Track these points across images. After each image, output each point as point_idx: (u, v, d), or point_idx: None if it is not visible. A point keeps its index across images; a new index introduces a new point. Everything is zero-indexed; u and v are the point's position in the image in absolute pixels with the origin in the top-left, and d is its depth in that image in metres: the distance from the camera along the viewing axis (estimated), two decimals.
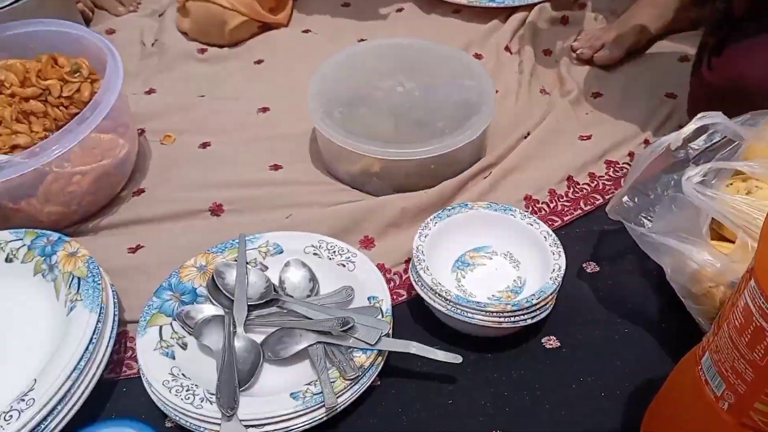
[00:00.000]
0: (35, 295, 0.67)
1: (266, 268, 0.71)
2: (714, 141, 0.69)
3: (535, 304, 0.63)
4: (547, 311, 0.65)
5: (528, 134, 0.90)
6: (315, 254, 0.71)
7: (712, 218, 0.62)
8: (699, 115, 0.64)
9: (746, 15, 0.84)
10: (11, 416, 0.55)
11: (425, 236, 0.69)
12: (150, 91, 1.03)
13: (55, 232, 0.70)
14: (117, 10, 1.22)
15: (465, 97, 0.86)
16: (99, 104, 0.74)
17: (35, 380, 0.57)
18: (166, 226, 0.80)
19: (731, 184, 0.64)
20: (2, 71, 0.81)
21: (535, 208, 0.81)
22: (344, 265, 0.70)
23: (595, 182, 0.84)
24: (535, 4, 1.13)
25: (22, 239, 0.70)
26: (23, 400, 0.55)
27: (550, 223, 0.79)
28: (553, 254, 0.67)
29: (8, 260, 0.69)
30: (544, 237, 0.69)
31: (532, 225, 0.70)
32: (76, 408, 0.58)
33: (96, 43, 0.84)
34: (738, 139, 0.67)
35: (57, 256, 0.67)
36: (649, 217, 0.69)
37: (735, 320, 0.42)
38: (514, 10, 1.13)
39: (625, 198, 0.69)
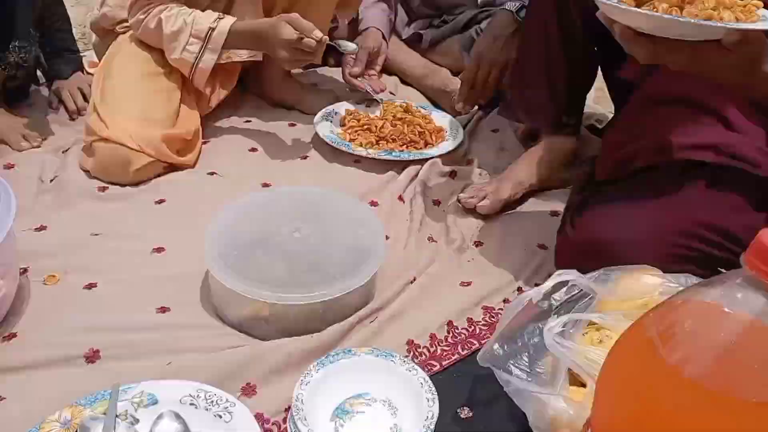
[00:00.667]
0: None
1: (137, 421, 0.68)
2: (573, 293, 0.76)
3: None
4: None
5: (414, 279, 0.95)
6: (192, 404, 0.70)
7: None
8: (556, 273, 0.71)
9: (607, 179, 0.96)
10: None
11: (306, 383, 0.70)
12: (40, 228, 1.01)
13: None
14: (19, 145, 1.22)
15: (356, 243, 0.90)
16: None
17: None
18: (34, 376, 0.76)
19: (586, 333, 0.70)
20: None
21: (417, 353, 0.84)
22: (221, 416, 0.69)
23: (473, 327, 0.88)
24: (427, 159, 1.24)
25: None
26: None
27: (429, 367, 0.81)
28: (428, 401, 0.69)
29: None
30: (421, 384, 0.71)
31: (410, 371, 0.73)
32: None
33: None
34: (592, 293, 0.74)
35: None
36: (516, 364, 0.73)
37: None
38: (408, 162, 1.24)
39: (496, 346, 0.74)
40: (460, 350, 0.85)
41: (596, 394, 0.47)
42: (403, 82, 1.61)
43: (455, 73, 1.55)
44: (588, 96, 1.22)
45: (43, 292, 0.89)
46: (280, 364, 0.79)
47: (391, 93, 1.55)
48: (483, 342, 0.85)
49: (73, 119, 1.34)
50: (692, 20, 0.64)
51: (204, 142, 1.28)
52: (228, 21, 1.18)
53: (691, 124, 0.87)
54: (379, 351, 0.75)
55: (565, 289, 0.76)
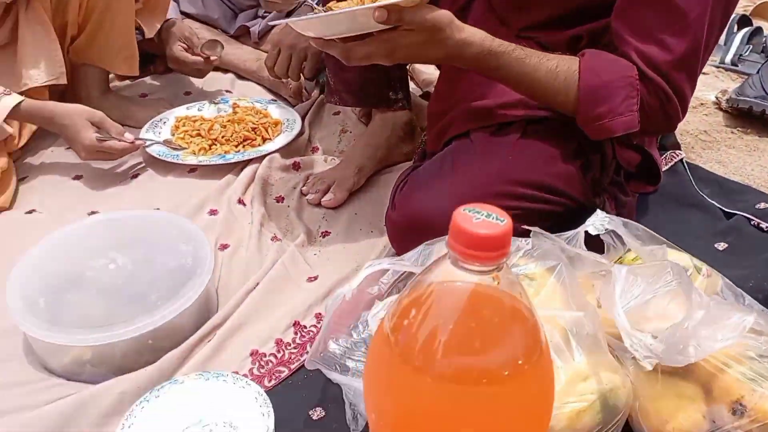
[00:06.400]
0: None
1: None
2: (400, 275, 0.76)
3: None
4: None
5: (257, 284, 0.92)
6: None
7: None
8: (367, 264, 0.70)
9: (435, 151, 0.96)
10: None
11: (129, 426, 0.65)
12: None
13: None
14: None
15: (181, 262, 0.86)
16: None
17: None
18: None
19: None
20: None
21: (262, 362, 0.81)
22: None
23: (321, 322, 0.86)
24: (266, 155, 1.20)
25: None
26: None
27: (277, 375, 0.79)
28: (263, 415, 0.67)
29: None
30: (255, 398, 0.69)
31: (243, 388, 0.70)
32: None
33: None
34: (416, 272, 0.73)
35: None
36: (354, 357, 0.72)
37: None
38: (246, 163, 1.19)
39: (332, 344, 0.72)
40: (309, 349, 0.82)
41: (365, 398, 0.46)
42: (240, 77, 1.56)
43: None
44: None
45: None
46: (115, 405, 0.74)
47: (227, 91, 1.49)
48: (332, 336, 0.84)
49: None
50: (340, 11, 0.68)
51: (21, 179, 1.18)
52: (13, 99, 1.08)
53: (499, 85, 0.88)
54: (208, 374, 0.72)
55: (390, 272, 0.76)
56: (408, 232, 0.82)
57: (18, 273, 0.82)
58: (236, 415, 0.69)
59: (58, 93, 1.27)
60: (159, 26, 1.37)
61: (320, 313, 0.88)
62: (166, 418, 0.68)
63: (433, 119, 1.00)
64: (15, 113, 1.09)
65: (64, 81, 1.22)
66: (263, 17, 1.55)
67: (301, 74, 1.31)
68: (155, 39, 1.41)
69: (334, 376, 0.66)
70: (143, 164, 1.22)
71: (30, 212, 1.10)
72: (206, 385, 0.70)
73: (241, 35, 1.57)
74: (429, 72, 1.47)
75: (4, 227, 1.06)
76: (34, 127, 1.24)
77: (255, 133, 1.25)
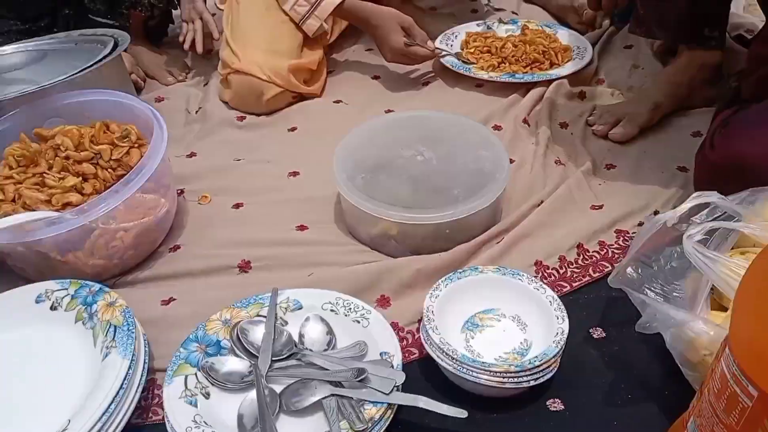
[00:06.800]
0: (76, 342, 0.72)
1: (286, 323, 0.76)
2: (716, 215, 0.72)
3: (538, 366, 0.66)
4: (551, 374, 0.68)
5: (541, 202, 0.94)
6: (332, 311, 0.76)
7: (713, 288, 0.64)
8: (694, 195, 0.68)
9: (753, 97, 0.88)
10: None
11: (436, 297, 0.73)
12: (191, 155, 1.11)
13: (96, 283, 0.77)
14: (166, 80, 1.33)
15: (480, 166, 0.91)
16: (143, 167, 0.82)
17: (69, 420, 0.62)
18: (197, 281, 0.86)
19: (730, 257, 0.67)
20: (60, 136, 0.90)
21: (545, 274, 0.84)
22: (359, 322, 0.74)
23: (605, 250, 0.87)
24: (553, 80, 1.19)
25: (66, 289, 0.76)
26: None
27: (558, 288, 0.82)
28: (557, 318, 0.70)
29: (53, 308, 0.76)
30: (549, 302, 0.72)
31: (538, 290, 0.74)
32: None
33: (144, 111, 0.92)
34: (736, 215, 0.70)
35: (97, 305, 0.74)
36: (651, 288, 0.72)
37: (713, 386, 0.45)
38: (533, 84, 1.20)
39: (629, 269, 0.73)
40: (591, 273, 0.84)
41: (734, 309, 0.46)
42: (526, 0, 1.55)
43: None
44: (737, 3, 1.11)
45: (198, 210, 0.98)
46: (410, 279, 0.83)
47: (513, 12, 1.50)
48: (615, 265, 0.84)
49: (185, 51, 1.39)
50: None
51: (329, 72, 1.32)
52: None
53: None
54: (506, 269, 0.77)
55: (706, 212, 0.73)
56: (727, 173, 0.78)
57: (340, 152, 0.93)
58: (528, 313, 0.74)
59: None
60: None
61: (603, 241, 0.88)
62: (464, 298, 0.75)
63: (757, 62, 0.91)
64: (338, 11, 1.22)
65: None
66: None
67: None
68: None
69: (641, 297, 0.67)
70: (433, 73, 1.30)
71: (337, 102, 1.24)
72: (503, 279, 0.76)
73: None
74: (741, 15, 1.33)
75: (318, 112, 1.21)
76: (343, 27, 1.37)
77: (544, 56, 1.25)
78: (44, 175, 0.87)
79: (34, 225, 0.76)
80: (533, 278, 0.75)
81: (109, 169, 0.90)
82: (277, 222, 0.95)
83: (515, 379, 0.65)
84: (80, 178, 0.88)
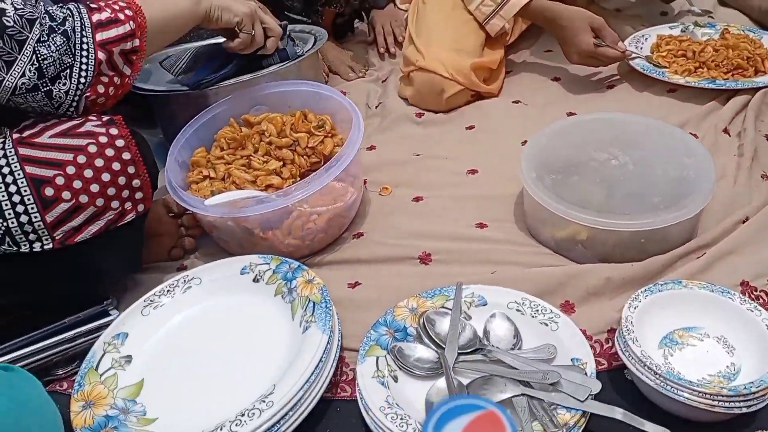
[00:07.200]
0: (275, 313, 0.78)
1: (470, 317, 0.76)
2: None
3: (754, 393, 0.60)
4: (765, 403, 0.62)
5: (746, 219, 0.87)
6: (518, 310, 0.75)
7: None
8: None
9: None
10: (253, 414, 0.64)
11: (635, 308, 0.70)
12: (371, 147, 1.15)
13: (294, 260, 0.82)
14: (348, 76, 1.39)
15: (682, 174, 0.85)
16: (342, 156, 0.86)
17: (274, 386, 0.66)
18: (380, 268, 0.89)
19: None
20: (265, 123, 0.97)
21: (753, 295, 0.77)
22: (546, 324, 0.72)
23: None
24: (759, 89, 1.09)
25: (268, 264, 0.82)
26: (264, 401, 0.65)
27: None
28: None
29: (255, 280, 0.82)
30: (766, 325, 0.66)
31: (752, 311, 0.68)
32: (303, 415, 0.66)
33: (342, 102, 0.97)
34: None
35: (297, 281, 0.78)
36: None
37: None
38: (735, 92, 1.11)
39: None
40: None
41: None
42: (722, 3, 1.43)
43: None
44: None
45: (379, 201, 1.02)
46: (598, 287, 0.80)
47: (710, 16, 1.39)
48: None
49: (381, 57, 1.46)
50: None
51: (507, 72, 1.31)
52: None
53: None
54: (714, 286, 0.71)
55: None
56: None
57: (529, 151, 0.91)
58: (738, 336, 0.68)
59: None
60: None
61: None
62: (664, 312, 0.71)
63: None
64: (524, 10, 1.20)
65: None
66: None
67: None
68: None
69: None
70: (618, 77, 1.24)
71: (516, 102, 1.22)
72: (709, 296, 0.70)
73: None
74: None
75: (496, 111, 1.20)
76: (523, 27, 1.35)
77: (748, 62, 1.15)
78: (251, 157, 0.94)
79: (246, 203, 0.83)
80: (745, 298, 0.69)
81: (305, 156, 0.96)
82: (456, 217, 0.95)
83: (727, 404, 0.60)
84: (281, 162, 0.94)
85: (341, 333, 0.77)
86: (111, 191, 0.76)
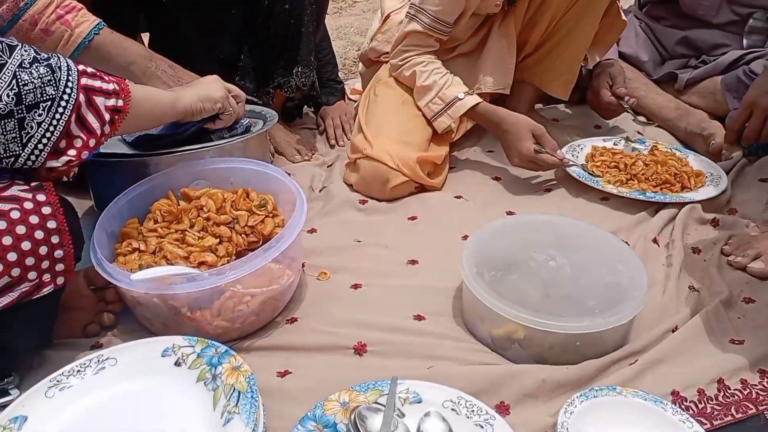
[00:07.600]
0: (194, 401, 0.72)
1: (403, 415, 0.72)
2: None
3: None
4: None
5: (676, 328, 0.89)
6: (453, 410, 0.72)
7: None
8: None
9: None
10: None
11: (570, 413, 0.68)
12: (312, 230, 1.14)
13: (221, 344, 0.77)
14: (294, 158, 1.39)
15: (616, 279, 0.87)
16: (283, 237, 0.84)
17: None
18: (312, 357, 0.85)
19: None
20: (205, 198, 0.94)
21: (683, 406, 0.77)
22: (482, 427, 0.70)
23: (748, 390, 0.80)
24: (686, 203, 1.16)
25: (193, 346, 0.77)
26: None
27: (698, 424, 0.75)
28: None
29: (177, 364, 0.76)
30: None
31: (684, 422, 0.68)
32: None
33: (285, 182, 0.96)
34: None
35: (222, 367, 0.73)
36: None
37: None
38: (663, 205, 1.17)
39: None
40: (734, 412, 0.77)
41: None
42: (651, 123, 1.54)
43: (712, 116, 1.45)
44: None
45: (316, 285, 0.99)
46: (533, 388, 0.78)
47: (639, 133, 1.49)
48: (762, 408, 0.77)
49: (332, 147, 1.48)
50: None
51: (450, 168, 1.34)
52: (473, 100, 1.25)
53: None
54: (647, 395, 0.71)
55: None
56: None
57: (470, 246, 0.92)
58: None
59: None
60: (599, 60, 1.43)
61: (746, 380, 0.81)
62: (599, 419, 0.70)
63: None
64: (470, 112, 1.25)
65: (507, 92, 1.35)
66: (695, 68, 1.51)
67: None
68: (583, 71, 1.48)
69: None
70: (555, 181, 1.29)
71: (458, 197, 1.25)
72: (643, 405, 0.70)
73: (665, 81, 1.55)
74: None
75: (438, 204, 1.22)
76: (468, 127, 1.41)
77: (675, 178, 1.22)
78: (186, 232, 0.91)
79: (175, 279, 0.79)
80: (677, 409, 0.69)
81: (243, 235, 0.93)
82: (394, 308, 0.93)
83: None
84: (217, 240, 0.91)
85: (266, 427, 0.71)
86: (30, 261, 0.71)
